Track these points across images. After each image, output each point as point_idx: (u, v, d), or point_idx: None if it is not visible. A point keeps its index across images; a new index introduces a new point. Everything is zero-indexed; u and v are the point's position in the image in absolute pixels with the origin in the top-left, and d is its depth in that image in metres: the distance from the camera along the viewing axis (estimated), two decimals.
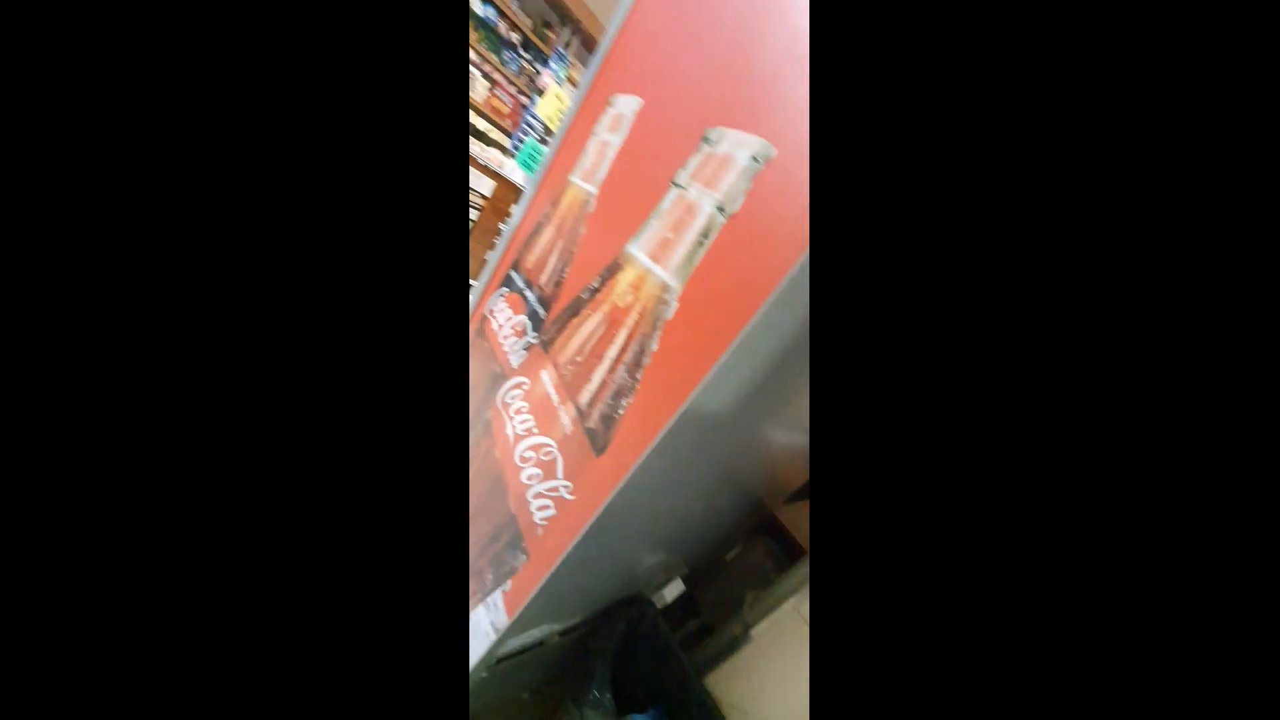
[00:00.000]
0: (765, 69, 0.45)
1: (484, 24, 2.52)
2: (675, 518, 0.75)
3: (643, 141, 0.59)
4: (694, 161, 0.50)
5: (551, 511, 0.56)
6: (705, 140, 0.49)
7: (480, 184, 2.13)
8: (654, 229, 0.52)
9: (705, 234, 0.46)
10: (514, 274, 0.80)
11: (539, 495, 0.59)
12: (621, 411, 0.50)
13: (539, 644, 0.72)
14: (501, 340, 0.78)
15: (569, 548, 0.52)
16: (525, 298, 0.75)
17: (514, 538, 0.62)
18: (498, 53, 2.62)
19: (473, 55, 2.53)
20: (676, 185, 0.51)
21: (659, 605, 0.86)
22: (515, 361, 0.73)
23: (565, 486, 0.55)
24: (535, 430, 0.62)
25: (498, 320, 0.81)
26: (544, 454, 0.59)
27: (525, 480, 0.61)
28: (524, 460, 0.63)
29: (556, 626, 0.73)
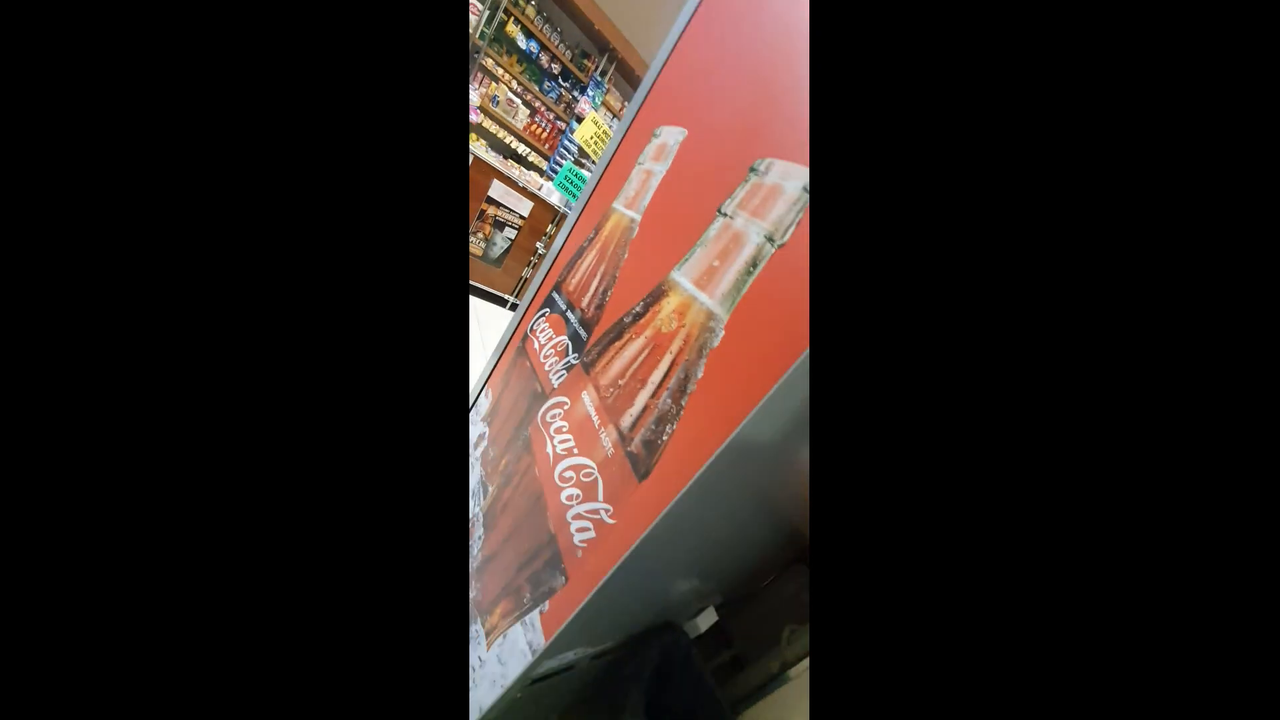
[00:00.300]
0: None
1: (527, 57, 2.68)
2: (714, 545, 0.73)
3: (687, 171, 0.60)
4: (741, 191, 0.50)
5: (591, 534, 0.57)
6: (753, 170, 0.49)
7: (520, 205, 2.24)
8: (699, 257, 0.53)
9: (754, 263, 0.46)
10: (556, 295, 0.83)
11: (579, 517, 0.59)
12: (665, 438, 0.50)
13: (570, 667, 0.72)
14: (542, 360, 0.81)
15: (609, 573, 0.52)
16: (567, 319, 0.77)
17: (553, 557, 0.62)
18: (539, 83, 2.77)
19: (515, 85, 2.69)
20: (723, 214, 0.52)
21: (691, 634, 0.84)
22: (556, 381, 0.75)
23: (606, 510, 0.55)
24: (575, 451, 0.63)
25: (539, 340, 0.84)
26: (584, 475, 0.60)
27: (565, 500, 0.62)
28: (564, 480, 0.64)
29: (590, 650, 0.73)
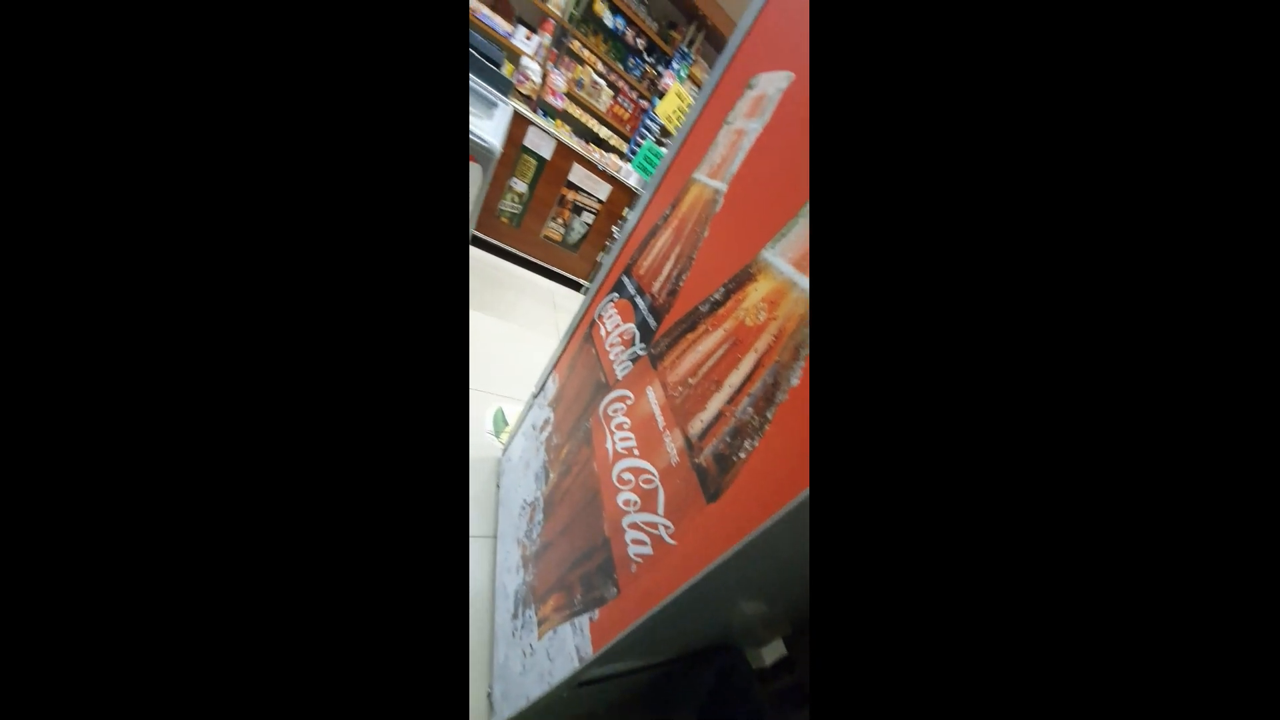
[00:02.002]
0: None
1: (612, 34, 2.62)
2: (789, 572, 0.63)
3: (792, 125, 0.48)
4: None
5: (648, 550, 0.50)
6: None
7: (599, 189, 2.23)
8: (802, 232, 0.42)
9: None
10: (626, 279, 0.77)
11: (635, 527, 0.53)
12: (743, 455, 0.41)
13: (620, 675, 0.68)
14: (608, 348, 0.76)
15: (665, 600, 0.45)
16: (636, 305, 0.71)
17: (606, 563, 0.58)
18: (623, 60, 2.70)
19: (600, 65, 2.65)
20: None
21: (755, 664, 0.74)
22: (620, 373, 0.69)
23: (666, 527, 0.48)
24: (636, 452, 0.57)
25: (605, 327, 0.79)
26: (644, 481, 0.54)
27: (621, 505, 0.57)
28: (622, 482, 0.58)
29: (641, 662, 0.68)
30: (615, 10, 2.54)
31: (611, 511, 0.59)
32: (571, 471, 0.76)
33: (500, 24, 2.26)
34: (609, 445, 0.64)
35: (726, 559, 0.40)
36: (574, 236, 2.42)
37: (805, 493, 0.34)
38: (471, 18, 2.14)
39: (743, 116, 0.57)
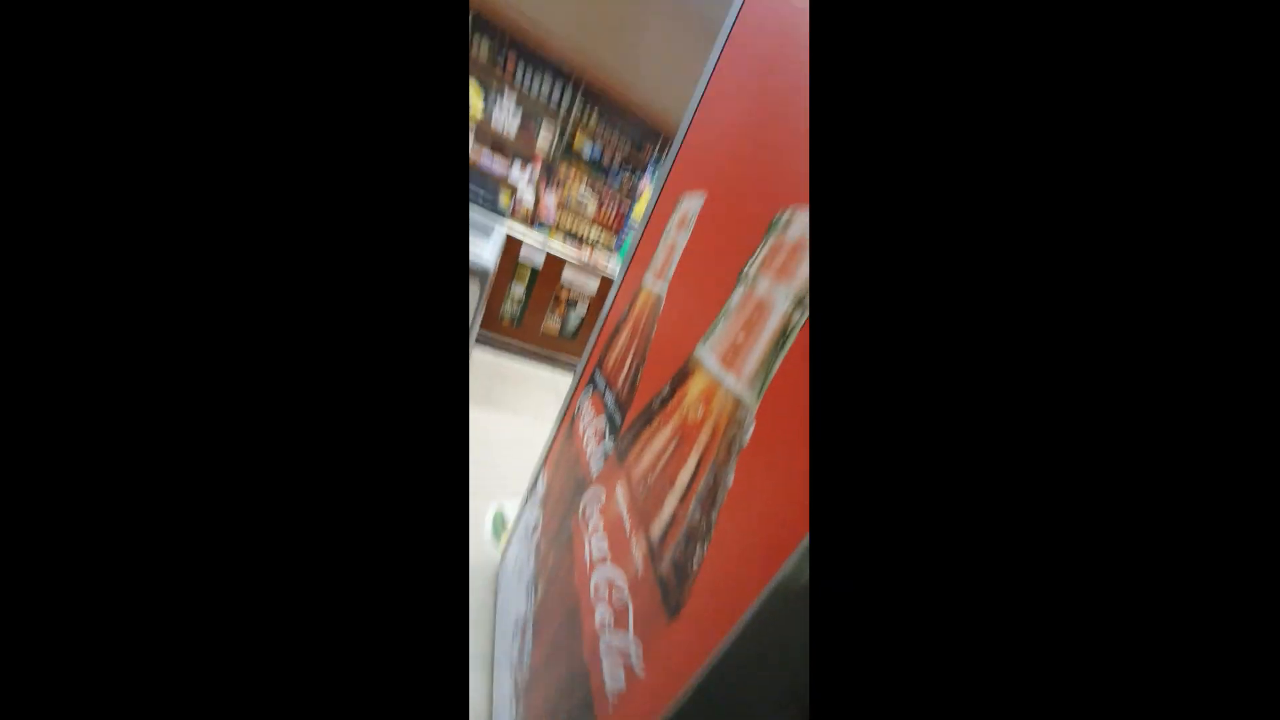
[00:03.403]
0: None
1: (592, 159, 3.08)
2: (787, 677, 0.54)
3: (708, 236, 0.55)
4: (762, 250, 0.42)
5: (621, 686, 0.45)
6: (772, 226, 0.42)
7: (588, 284, 2.44)
8: (723, 330, 0.45)
9: (782, 336, 0.36)
10: (597, 374, 0.81)
11: (610, 651, 0.48)
12: (696, 564, 0.39)
13: None
14: (584, 444, 0.76)
15: None
16: (605, 400, 0.73)
17: (585, 699, 0.51)
18: (604, 177, 3.14)
19: (584, 183, 3.08)
20: (744, 278, 0.44)
21: None
22: (594, 469, 0.69)
23: (636, 652, 0.44)
24: (609, 559, 0.55)
25: (583, 421, 0.81)
26: (616, 596, 0.50)
27: (598, 625, 0.52)
28: (598, 596, 0.54)
29: None
30: (593, 140, 3.03)
31: (589, 632, 0.54)
32: (555, 584, 0.72)
33: (499, 164, 2.71)
34: (586, 552, 0.62)
35: (693, 688, 0.35)
36: (570, 326, 2.58)
37: (758, 603, 0.32)
38: (473, 163, 2.58)
39: (674, 229, 0.65)
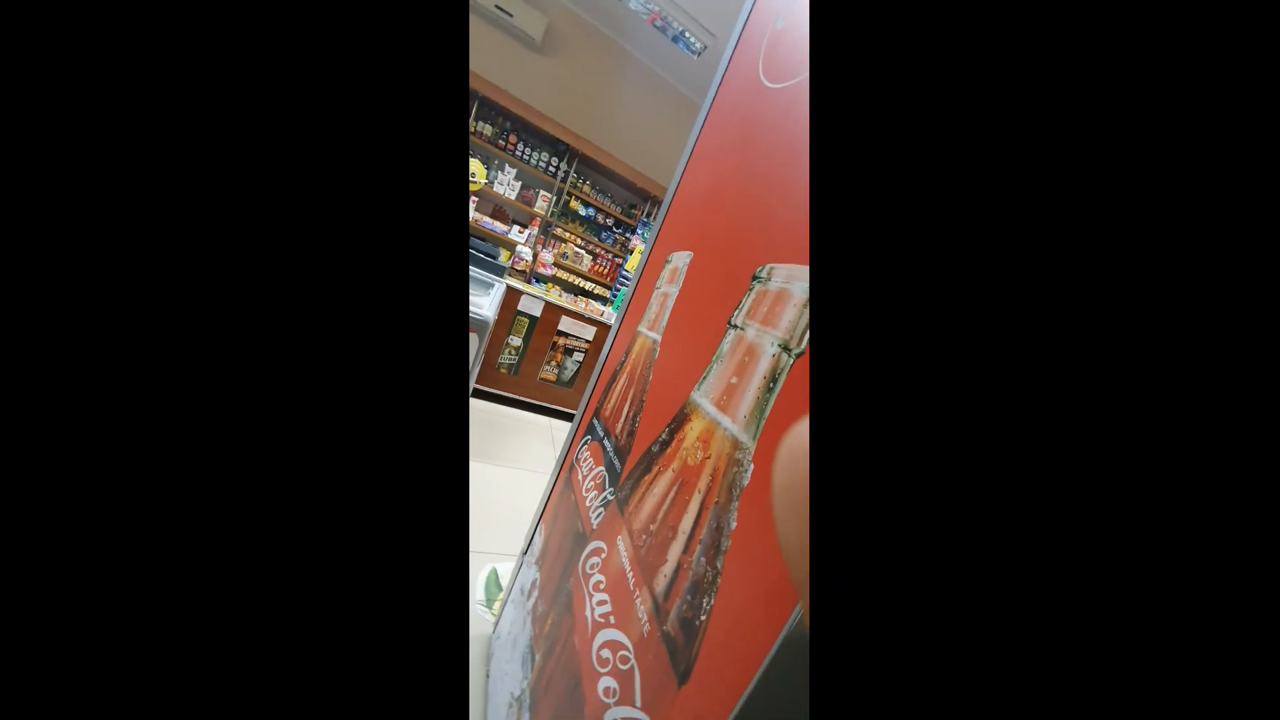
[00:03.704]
0: (805, 200, 0.42)
1: (586, 220, 3.31)
2: None
3: (697, 289, 0.59)
4: (747, 300, 0.46)
5: None
6: (755, 278, 0.46)
7: (585, 332, 2.50)
8: (717, 374, 0.48)
9: (773, 377, 0.39)
10: (595, 421, 0.82)
11: None
12: (704, 617, 0.38)
13: None
14: (584, 494, 0.75)
15: None
16: (604, 447, 0.73)
17: None
18: (597, 235, 3.35)
19: (578, 240, 3.27)
20: (733, 326, 0.47)
21: None
22: (594, 521, 0.67)
23: None
24: (612, 620, 0.52)
25: (581, 471, 0.80)
26: (620, 660, 0.47)
27: (603, 696, 0.49)
28: (601, 662, 0.51)
29: None
30: (586, 204, 3.27)
31: (593, 707, 0.50)
32: (555, 651, 0.67)
33: (498, 226, 2.89)
34: (588, 612, 0.58)
35: None
36: (567, 374, 2.60)
37: (770, 655, 0.31)
38: (475, 225, 2.74)
39: (666, 283, 0.70)
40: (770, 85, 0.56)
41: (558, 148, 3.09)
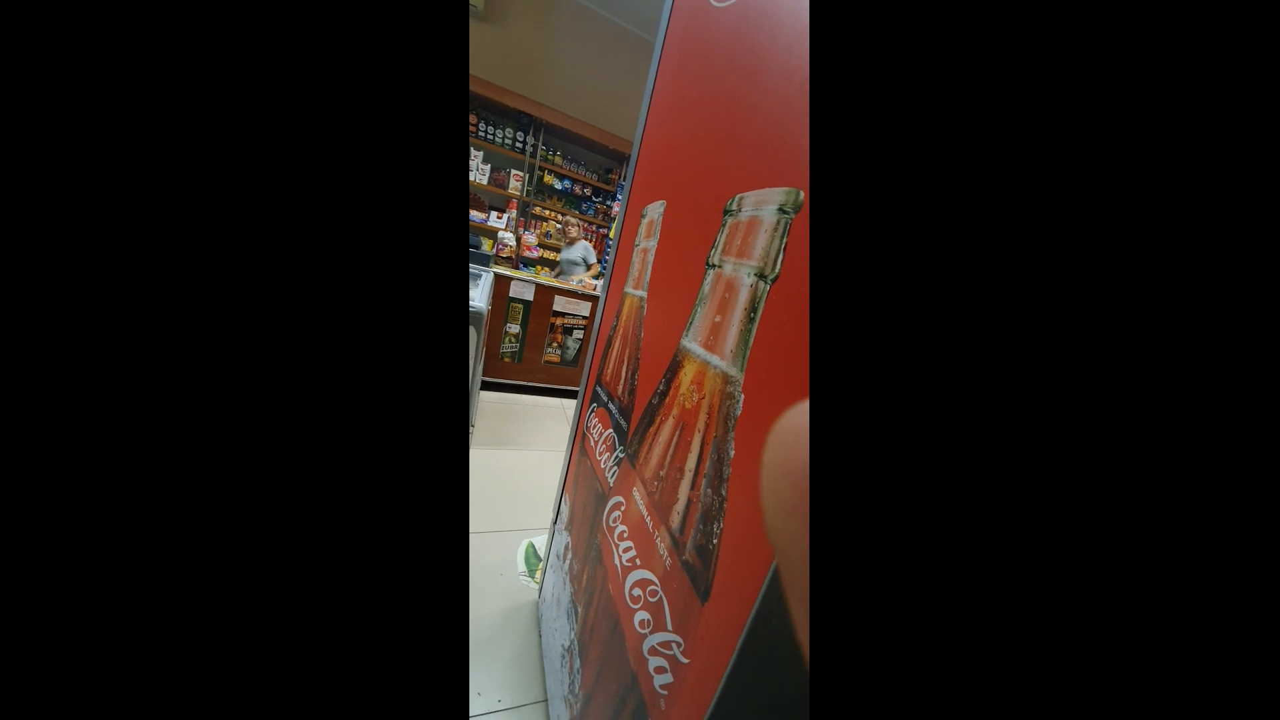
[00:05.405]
0: (767, 120, 0.40)
1: (564, 193, 3.20)
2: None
3: (674, 237, 0.58)
4: (721, 237, 0.45)
5: (669, 678, 0.45)
6: (727, 212, 0.45)
7: (580, 308, 2.49)
8: (701, 316, 0.48)
9: (753, 307, 0.39)
10: (599, 388, 0.83)
11: (653, 652, 0.49)
12: (716, 540, 0.40)
13: None
14: (598, 457, 0.78)
15: None
16: (609, 410, 0.75)
17: (639, 708, 0.51)
18: (577, 208, 3.25)
19: (558, 216, 3.18)
20: (711, 265, 0.47)
21: None
22: (611, 479, 0.70)
23: (677, 644, 0.45)
24: (638, 562, 0.55)
25: (593, 436, 0.82)
26: (650, 594, 0.51)
27: (638, 628, 0.53)
28: (634, 600, 0.55)
29: None
30: (560, 177, 3.15)
31: (633, 640, 0.54)
32: (594, 601, 0.72)
33: (476, 215, 2.82)
34: (616, 560, 0.62)
35: (735, 665, 0.36)
36: (570, 354, 2.61)
37: (775, 566, 0.33)
38: None
39: (644, 238, 0.69)
40: (717, 4, 0.52)
41: (521, 120, 2.95)
